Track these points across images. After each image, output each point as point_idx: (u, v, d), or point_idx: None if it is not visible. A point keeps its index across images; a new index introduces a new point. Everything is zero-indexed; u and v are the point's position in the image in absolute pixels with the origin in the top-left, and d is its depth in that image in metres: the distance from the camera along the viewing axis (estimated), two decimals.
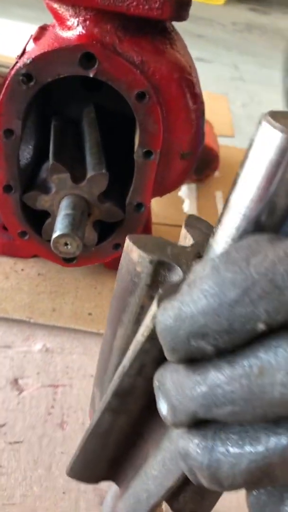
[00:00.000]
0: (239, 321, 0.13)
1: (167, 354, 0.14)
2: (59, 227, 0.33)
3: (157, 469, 0.18)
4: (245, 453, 0.13)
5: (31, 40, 0.34)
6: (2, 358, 0.34)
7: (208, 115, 0.76)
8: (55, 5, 0.32)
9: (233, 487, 0.14)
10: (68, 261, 0.38)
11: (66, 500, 0.27)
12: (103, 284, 0.41)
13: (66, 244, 0.33)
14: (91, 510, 0.27)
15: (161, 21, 0.31)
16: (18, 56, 0.35)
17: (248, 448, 0.13)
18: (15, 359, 0.34)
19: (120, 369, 0.17)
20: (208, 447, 0.14)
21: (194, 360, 0.14)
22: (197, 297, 0.13)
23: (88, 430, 0.19)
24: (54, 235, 0.33)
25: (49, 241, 0.35)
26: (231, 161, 0.67)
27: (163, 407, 0.15)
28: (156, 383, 0.15)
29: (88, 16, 0.31)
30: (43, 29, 0.34)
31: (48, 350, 0.35)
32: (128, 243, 0.17)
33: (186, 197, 0.58)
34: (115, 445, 0.19)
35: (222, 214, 0.15)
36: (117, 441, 0.19)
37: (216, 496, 0.20)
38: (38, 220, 0.38)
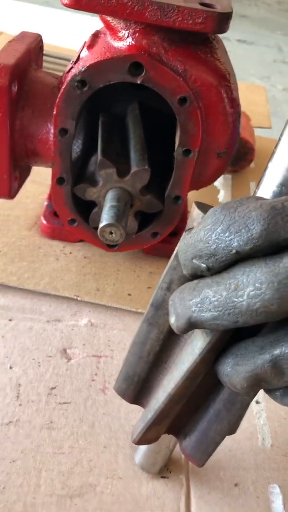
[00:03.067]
0: (220, 247, 0.19)
1: (182, 268, 0.21)
2: (106, 217, 0.37)
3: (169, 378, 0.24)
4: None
5: (85, 48, 0.37)
6: (53, 330, 0.39)
7: (246, 106, 0.78)
8: (108, 18, 0.36)
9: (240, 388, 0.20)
10: (111, 247, 0.42)
11: (106, 453, 0.32)
12: (141, 268, 0.45)
13: (111, 232, 0.37)
14: (127, 462, 0.32)
15: (204, 34, 0.34)
16: (73, 61, 0.39)
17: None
18: (64, 332, 0.39)
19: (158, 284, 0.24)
20: None
21: (197, 277, 0.20)
22: (199, 231, 0.20)
23: (131, 342, 0.24)
24: (101, 224, 0.37)
25: (95, 228, 0.40)
26: (267, 152, 0.70)
27: (171, 318, 0.21)
28: (170, 302, 0.21)
29: (138, 29, 0.34)
30: (95, 37, 0.38)
31: (93, 325, 0.40)
32: (193, 205, 0.22)
33: (221, 187, 0.61)
34: (146, 361, 0.25)
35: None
36: (149, 354, 0.25)
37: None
38: (86, 209, 0.42)
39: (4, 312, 0.40)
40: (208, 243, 0.19)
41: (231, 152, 0.39)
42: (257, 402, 0.36)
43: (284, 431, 0.35)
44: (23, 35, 0.42)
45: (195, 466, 0.30)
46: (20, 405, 0.34)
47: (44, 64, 0.47)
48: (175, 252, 0.23)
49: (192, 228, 0.21)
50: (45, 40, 0.44)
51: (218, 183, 0.61)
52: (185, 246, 0.20)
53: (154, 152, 0.41)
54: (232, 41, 3.59)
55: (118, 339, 0.39)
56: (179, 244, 0.21)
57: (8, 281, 0.41)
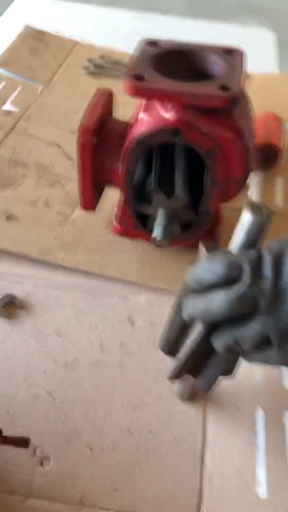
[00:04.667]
0: (199, 282, 0.36)
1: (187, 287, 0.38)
2: (156, 232, 0.55)
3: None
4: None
5: (142, 112, 0.54)
6: (122, 304, 0.58)
7: (283, 100, 0.90)
8: None
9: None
10: (160, 246, 0.60)
11: (156, 384, 0.51)
12: (184, 258, 0.62)
13: (160, 241, 0.55)
14: (168, 391, 0.51)
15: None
16: (134, 119, 0.55)
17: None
18: (130, 305, 0.58)
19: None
20: None
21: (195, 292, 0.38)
22: (194, 270, 0.36)
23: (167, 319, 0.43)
24: (153, 235, 0.54)
25: (151, 231, 0.57)
26: None
27: (183, 314, 0.39)
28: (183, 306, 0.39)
29: (178, 106, 0.50)
30: (149, 103, 0.54)
31: (149, 301, 0.59)
32: (200, 244, 0.39)
33: (252, 183, 0.75)
34: (175, 331, 0.43)
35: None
36: (176, 327, 0.43)
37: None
38: (145, 218, 0.60)
39: (91, 290, 0.59)
40: (195, 278, 0.37)
41: (246, 179, 0.55)
42: None
43: (270, 376, 0.52)
44: (100, 93, 0.59)
45: (208, 395, 0.48)
46: (102, 352, 0.54)
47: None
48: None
49: (192, 266, 0.38)
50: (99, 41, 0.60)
51: (251, 180, 0.75)
52: (189, 273, 0.38)
53: (192, 180, 0.57)
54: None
55: (166, 312, 0.57)
56: (187, 274, 0.39)
57: (91, 269, 0.61)
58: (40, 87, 0.90)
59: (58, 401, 0.49)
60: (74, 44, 1.02)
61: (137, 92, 0.49)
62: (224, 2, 2.93)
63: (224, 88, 0.48)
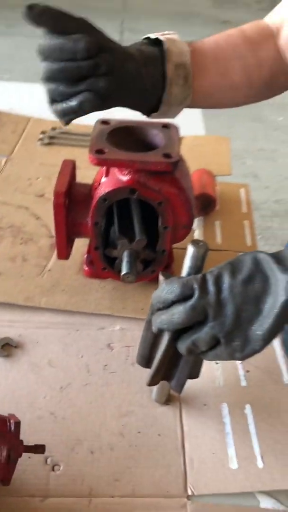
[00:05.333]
0: (162, 301, 0.48)
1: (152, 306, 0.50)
2: (124, 268, 0.67)
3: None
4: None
5: (104, 176, 0.67)
6: (101, 333, 0.69)
7: (212, 157, 1.07)
8: None
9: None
10: (128, 282, 0.72)
11: (137, 393, 0.62)
12: (147, 291, 0.75)
13: (128, 276, 0.67)
14: (148, 397, 0.62)
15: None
16: (97, 182, 0.68)
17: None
18: (107, 334, 0.69)
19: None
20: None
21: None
22: (158, 291, 0.48)
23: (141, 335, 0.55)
24: (122, 272, 0.67)
25: (118, 272, 0.69)
26: (229, 195, 0.99)
27: (152, 327, 0.50)
28: (152, 320, 0.51)
29: (132, 170, 0.64)
30: (108, 169, 0.68)
31: (123, 329, 0.70)
32: (160, 274, 0.51)
33: (196, 227, 0.90)
34: (148, 346, 0.54)
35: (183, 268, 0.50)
36: (148, 342, 0.54)
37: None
38: (112, 260, 0.72)
39: (73, 325, 0.70)
40: (161, 297, 0.48)
41: (191, 224, 0.69)
42: (216, 363, 0.66)
43: (229, 377, 0.65)
44: (66, 163, 0.72)
45: (183, 396, 0.60)
46: (89, 375, 0.64)
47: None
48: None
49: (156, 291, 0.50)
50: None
51: (194, 225, 0.90)
52: (154, 296, 0.49)
53: (148, 226, 0.70)
54: None
55: (138, 336, 0.69)
56: (152, 297, 0.51)
57: (71, 308, 0.72)
58: (4, 159, 1.03)
59: (59, 418, 0.59)
60: (28, 119, 1.17)
61: (100, 163, 0.63)
62: None
63: (167, 155, 0.63)
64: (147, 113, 0.62)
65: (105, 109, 0.56)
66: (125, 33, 3.98)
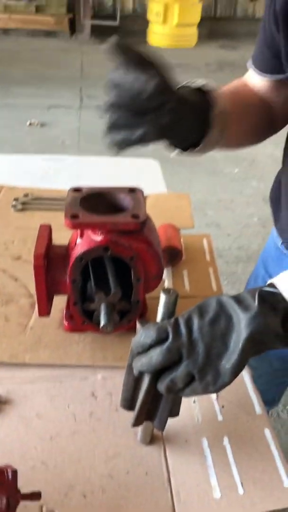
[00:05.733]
0: (141, 346, 0.55)
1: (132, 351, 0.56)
2: (103, 320, 0.73)
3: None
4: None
5: (79, 237, 0.74)
6: (84, 383, 0.74)
7: (174, 211, 1.17)
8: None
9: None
10: (106, 333, 0.78)
11: (123, 436, 0.66)
12: (126, 339, 0.80)
13: (106, 328, 0.73)
14: (133, 438, 0.66)
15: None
16: (73, 243, 0.75)
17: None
18: (90, 383, 0.74)
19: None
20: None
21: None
22: (136, 337, 0.55)
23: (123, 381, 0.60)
24: (101, 324, 0.73)
25: (97, 324, 0.75)
26: (193, 246, 1.07)
27: (134, 370, 0.56)
28: (133, 364, 0.57)
29: (105, 231, 0.72)
30: (82, 231, 0.75)
31: (104, 377, 0.75)
32: (137, 322, 0.57)
33: (165, 277, 0.97)
34: (130, 389, 0.59)
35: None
36: (130, 385, 0.59)
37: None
38: (90, 314, 0.78)
39: (58, 377, 0.74)
40: (139, 342, 0.54)
41: (161, 275, 0.76)
42: (194, 402, 0.71)
43: (206, 413, 0.70)
44: (43, 227, 0.79)
45: (165, 435, 0.65)
46: (76, 424, 0.68)
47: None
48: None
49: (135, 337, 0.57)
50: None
51: (163, 275, 0.97)
52: (133, 341, 0.55)
53: (122, 279, 0.77)
54: None
55: (119, 382, 0.74)
56: (132, 343, 0.57)
57: (54, 362, 0.76)
58: None
59: (51, 467, 0.62)
60: (1, 188, 1.24)
61: (75, 226, 0.70)
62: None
63: (135, 216, 0.71)
64: (186, 148, 0.68)
65: (157, 142, 0.61)
66: (84, 99, 4.21)
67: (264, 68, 0.76)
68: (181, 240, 1.05)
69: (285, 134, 0.82)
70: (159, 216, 1.13)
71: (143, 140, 0.57)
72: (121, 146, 0.58)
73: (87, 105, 4.08)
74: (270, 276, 0.89)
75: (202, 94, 0.65)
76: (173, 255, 0.98)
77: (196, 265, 1.02)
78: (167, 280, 0.97)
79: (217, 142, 0.69)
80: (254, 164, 3.15)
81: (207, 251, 1.07)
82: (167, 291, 0.56)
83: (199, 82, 0.67)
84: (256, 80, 0.79)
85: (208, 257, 1.05)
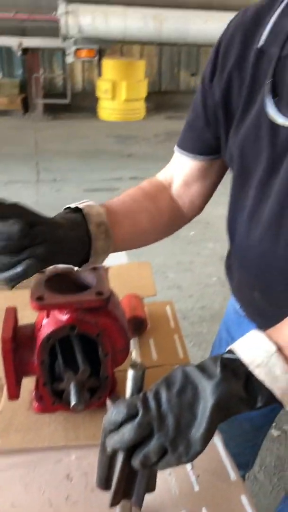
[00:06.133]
0: (113, 423, 0.55)
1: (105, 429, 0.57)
2: (73, 399, 0.73)
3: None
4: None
5: (45, 318, 0.76)
6: (59, 465, 0.73)
7: (138, 281, 1.20)
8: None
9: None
10: (77, 412, 0.78)
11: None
12: (97, 416, 0.81)
13: (77, 406, 0.74)
14: None
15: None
16: (39, 324, 0.77)
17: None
18: (64, 465, 0.73)
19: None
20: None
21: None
22: (107, 415, 0.56)
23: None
24: (71, 404, 0.73)
25: (67, 403, 0.75)
26: (157, 314, 1.11)
27: (107, 448, 0.57)
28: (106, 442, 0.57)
29: (70, 311, 0.74)
30: (48, 312, 0.77)
31: (78, 457, 0.74)
32: (107, 400, 0.59)
33: (132, 348, 0.99)
34: (104, 468, 0.60)
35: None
36: (105, 464, 0.59)
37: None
38: (60, 393, 0.78)
39: (31, 462, 0.73)
40: (110, 420, 0.55)
41: (128, 348, 0.79)
42: (169, 474, 0.72)
43: (182, 485, 0.70)
44: (9, 310, 0.80)
45: (144, 511, 0.64)
46: (53, 509, 0.67)
47: None
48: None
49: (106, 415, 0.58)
50: None
51: (130, 346, 0.99)
52: (105, 420, 0.56)
53: (90, 355, 0.79)
54: (125, 180, 4.28)
55: (94, 461, 0.73)
56: (104, 422, 0.58)
57: (26, 446, 0.75)
58: None
59: None
60: None
61: (41, 308, 0.72)
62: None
63: (99, 293, 0.74)
64: (79, 265, 0.72)
65: (44, 269, 0.66)
66: (41, 173, 4.33)
67: (193, 149, 0.82)
68: (145, 309, 1.08)
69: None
70: (122, 286, 1.17)
71: (27, 274, 0.60)
72: (10, 283, 0.61)
73: (44, 179, 4.19)
74: (233, 339, 0.93)
75: (78, 214, 0.70)
76: (139, 325, 1.01)
77: (162, 332, 1.05)
78: (134, 351, 0.99)
79: (106, 251, 0.73)
80: (209, 226, 3.28)
81: (171, 317, 1.10)
82: (134, 366, 0.58)
83: (77, 203, 0.72)
84: (179, 166, 0.85)
85: (172, 324, 1.08)
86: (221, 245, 3.14)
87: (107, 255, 0.74)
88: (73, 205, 0.72)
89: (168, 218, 0.85)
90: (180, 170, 0.85)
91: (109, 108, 6.22)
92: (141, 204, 0.82)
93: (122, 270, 1.28)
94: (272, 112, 0.66)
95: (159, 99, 6.87)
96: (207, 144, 0.81)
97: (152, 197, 0.84)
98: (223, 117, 0.75)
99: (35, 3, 4.76)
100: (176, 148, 0.85)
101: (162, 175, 0.89)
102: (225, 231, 0.85)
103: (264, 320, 0.81)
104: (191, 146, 0.83)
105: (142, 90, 6.30)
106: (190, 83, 7.22)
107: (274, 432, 1.85)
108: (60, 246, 0.64)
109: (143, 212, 0.82)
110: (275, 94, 0.66)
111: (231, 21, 0.74)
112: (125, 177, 4.28)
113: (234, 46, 0.71)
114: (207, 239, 3.19)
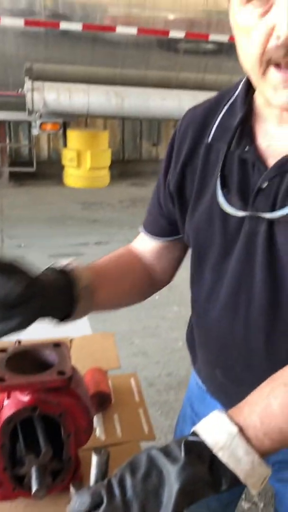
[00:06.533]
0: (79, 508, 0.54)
1: None
2: (34, 484, 0.71)
3: None
4: None
5: (6, 399, 0.75)
6: None
7: (102, 353, 1.20)
8: None
9: None
10: (39, 497, 0.75)
11: None
12: (61, 500, 0.77)
13: (39, 492, 0.71)
14: None
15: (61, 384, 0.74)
16: (0, 404, 0.75)
17: None
18: None
19: None
20: None
21: None
22: (71, 505, 0.54)
23: None
24: (32, 490, 0.70)
25: (29, 488, 0.72)
26: (121, 387, 1.10)
27: None
28: None
29: (32, 391, 0.73)
30: (9, 392, 0.76)
31: None
32: (70, 486, 0.57)
33: (96, 425, 0.97)
34: None
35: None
36: None
37: None
38: (21, 479, 0.75)
39: None
40: (74, 510, 0.53)
41: (91, 428, 0.77)
42: None
43: None
44: None
45: None
46: None
47: None
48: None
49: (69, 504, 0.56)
50: None
51: (94, 422, 0.97)
52: (68, 510, 0.54)
53: (52, 437, 0.77)
54: (91, 245, 4.33)
55: None
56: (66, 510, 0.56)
57: None
58: None
59: None
60: None
61: (2, 390, 0.71)
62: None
63: (61, 373, 0.74)
64: (61, 320, 0.76)
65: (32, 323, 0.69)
66: (5, 240, 4.33)
67: (156, 232, 0.89)
68: (109, 382, 1.08)
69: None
70: (85, 358, 1.16)
71: (19, 328, 0.65)
72: (1, 336, 0.66)
73: (9, 246, 4.19)
74: (197, 415, 0.93)
75: (66, 274, 0.75)
76: (103, 401, 1.00)
77: (126, 407, 1.03)
78: (98, 428, 0.97)
79: (87, 311, 0.79)
80: (173, 290, 3.31)
81: (135, 391, 1.10)
82: (98, 451, 0.57)
83: (62, 262, 0.78)
84: (146, 244, 0.91)
85: (137, 398, 1.07)
86: (186, 308, 3.17)
87: (87, 313, 0.79)
88: (60, 265, 0.76)
89: (144, 283, 0.90)
90: (147, 246, 0.91)
91: (74, 176, 6.38)
92: (121, 269, 0.88)
93: (85, 342, 1.27)
94: (222, 202, 0.71)
95: (122, 167, 7.13)
96: (164, 228, 0.87)
97: (130, 263, 0.89)
98: (178, 205, 0.81)
99: (3, 80, 4.98)
100: (140, 227, 0.91)
101: (136, 244, 0.94)
102: (189, 294, 0.88)
103: (227, 397, 0.82)
104: (150, 229, 0.90)
105: (106, 158, 6.52)
106: (152, 152, 7.56)
107: (244, 504, 1.80)
108: (50, 304, 0.70)
109: (124, 276, 0.87)
110: (225, 185, 0.71)
111: (183, 118, 0.82)
112: (91, 242, 4.33)
113: (186, 141, 0.78)
114: (172, 303, 3.22)
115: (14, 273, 0.65)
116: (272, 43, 0.58)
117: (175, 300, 3.23)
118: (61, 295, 0.73)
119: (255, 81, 0.65)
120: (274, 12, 0.57)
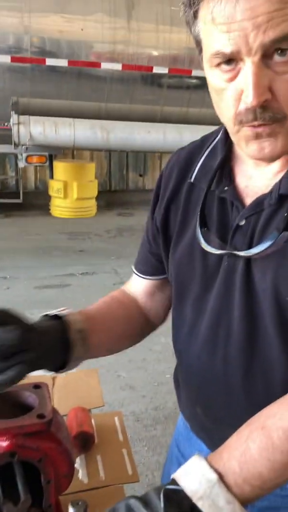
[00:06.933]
0: None
1: None
2: None
3: None
4: None
5: None
6: None
7: (86, 390, 1.18)
8: None
9: None
10: None
11: None
12: None
13: None
14: None
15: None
16: None
17: None
18: None
19: None
20: None
21: None
22: None
23: None
24: None
25: None
26: (105, 425, 1.08)
27: None
28: None
29: (10, 436, 0.71)
30: None
31: None
32: None
33: (79, 466, 0.95)
34: None
35: None
36: None
37: None
38: None
39: None
40: None
41: (72, 473, 0.75)
42: None
43: None
44: None
45: None
46: None
47: None
48: None
49: None
50: None
51: (77, 464, 0.95)
52: None
53: (32, 483, 0.74)
54: (77, 276, 4.31)
55: None
56: None
57: None
58: None
59: None
60: None
61: None
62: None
63: (40, 416, 0.72)
64: (56, 370, 0.76)
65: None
66: None
67: (146, 271, 0.90)
68: (93, 421, 1.06)
69: None
70: (69, 396, 1.14)
71: (18, 379, 0.65)
72: (1, 388, 0.65)
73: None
74: (183, 456, 0.92)
75: (59, 319, 0.76)
76: (85, 441, 0.98)
77: (110, 447, 1.01)
78: (80, 470, 0.94)
79: (83, 356, 0.78)
80: None
81: (119, 430, 1.08)
82: (76, 503, 0.56)
83: (55, 311, 0.78)
84: (138, 284, 0.92)
85: (121, 437, 1.05)
86: None
87: (82, 360, 0.78)
88: (52, 313, 0.76)
89: (139, 326, 0.91)
90: (139, 286, 0.92)
91: (61, 206, 6.40)
92: (115, 312, 0.88)
93: (68, 379, 1.25)
94: (201, 240, 0.72)
95: (109, 198, 7.18)
96: (154, 266, 0.89)
97: (124, 306, 0.90)
98: (163, 241, 0.83)
99: None
100: (132, 267, 0.93)
101: (129, 285, 0.95)
102: None
103: (208, 437, 0.81)
104: (140, 268, 0.91)
105: (93, 189, 6.57)
106: (138, 183, 7.64)
107: None
108: (46, 352, 0.69)
109: (117, 320, 0.87)
110: (204, 224, 0.73)
111: (169, 160, 0.85)
112: (77, 273, 4.32)
113: (171, 181, 0.81)
114: (159, 334, 3.18)
115: (8, 322, 0.64)
116: (242, 106, 0.61)
117: (162, 331, 3.20)
118: (56, 340, 0.73)
119: (230, 133, 0.69)
120: (241, 77, 0.59)
